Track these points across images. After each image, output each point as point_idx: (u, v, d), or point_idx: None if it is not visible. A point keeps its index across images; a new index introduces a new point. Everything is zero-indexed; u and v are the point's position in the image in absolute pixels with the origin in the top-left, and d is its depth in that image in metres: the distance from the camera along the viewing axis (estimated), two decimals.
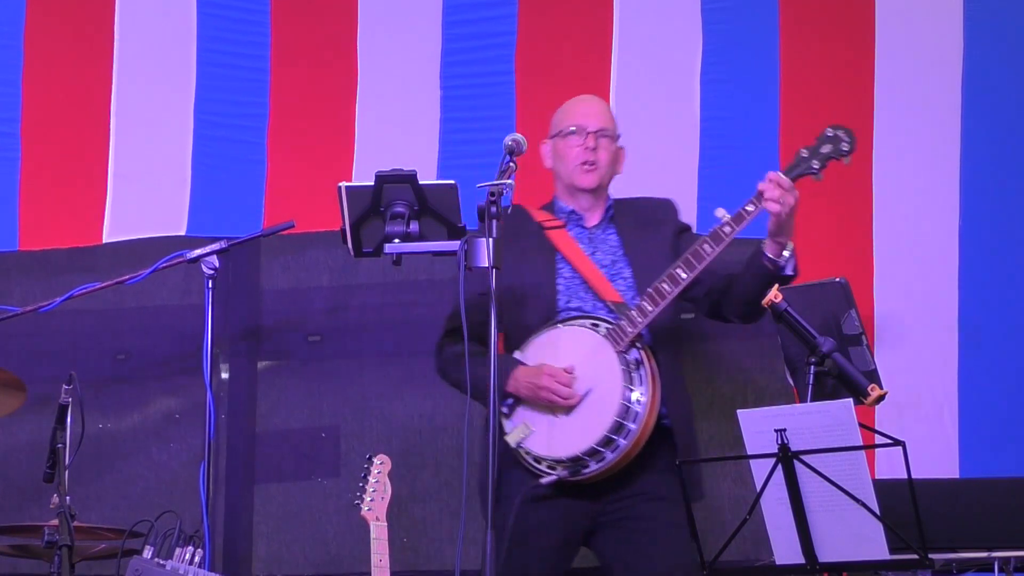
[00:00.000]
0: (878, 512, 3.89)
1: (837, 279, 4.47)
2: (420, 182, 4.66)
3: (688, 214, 5.11)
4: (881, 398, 4.23)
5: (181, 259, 5.04)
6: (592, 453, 4.57)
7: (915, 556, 3.92)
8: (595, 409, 4.60)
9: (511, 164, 4.45)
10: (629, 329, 4.59)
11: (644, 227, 4.85)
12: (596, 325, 4.67)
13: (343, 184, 4.77)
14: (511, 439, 4.68)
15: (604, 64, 5.81)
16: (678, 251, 4.76)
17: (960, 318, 5.47)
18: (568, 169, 4.86)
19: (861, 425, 3.93)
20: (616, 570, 4.70)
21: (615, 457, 4.57)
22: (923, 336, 5.50)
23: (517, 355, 4.75)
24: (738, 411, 4.11)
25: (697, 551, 4.17)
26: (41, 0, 5.99)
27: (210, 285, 5.00)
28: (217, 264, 5.01)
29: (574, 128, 4.85)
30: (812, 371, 4.21)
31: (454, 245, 4.48)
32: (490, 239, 4.37)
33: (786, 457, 3.96)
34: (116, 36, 5.95)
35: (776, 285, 4.39)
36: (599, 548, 4.76)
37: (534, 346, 4.74)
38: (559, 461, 4.62)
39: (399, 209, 4.64)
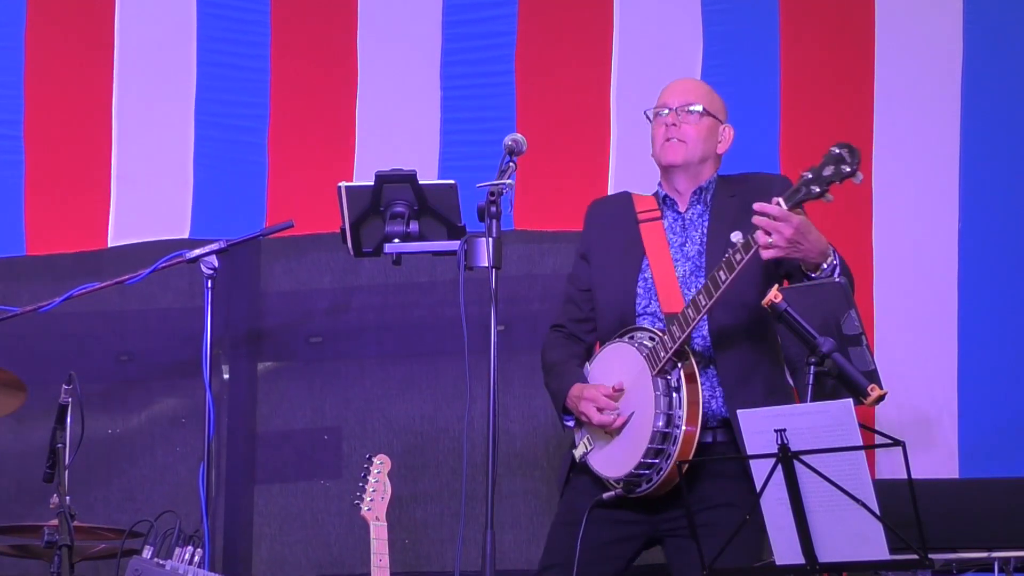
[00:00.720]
0: (878, 512, 3.88)
1: (837, 279, 4.46)
2: (420, 182, 4.67)
3: None
4: (881, 398, 4.22)
5: (180, 259, 5.04)
6: (636, 476, 4.58)
7: (915, 556, 3.90)
8: (635, 434, 4.59)
9: (511, 164, 4.45)
10: (662, 353, 4.56)
11: (740, 213, 4.68)
12: (653, 339, 4.63)
13: (343, 184, 4.78)
14: (576, 453, 4.74)
15: (604, 65, 5.80)
16: None
17: (960, 318, 5.47)
18: (656, 150, 4.82)
19: (861, 425, 3.92)
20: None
21: (661, 479, 4.56)
22: (923, 336, 5.50)
23: (586, 368, 4.77)
24: (738, 411, 4.11)
25: (699, 553, 4.15)
26: (41, 2, 5.99)
27: (209, 285, 5.01)
28: (216, 264, 5.01)
29: (658, 108, 4.83)
30: (812, 371, 4.19)
31: (454, 245, 4.49)
32: (490, 239, 4.38)
33: (786, 457, 3.94)
34: (116, 37, 5.95)
35: (776, 285, 4.38)
36: (666, 555, 4.77)
37: (600, 358, 4.76)
38: (612, 480, 4.65)
39: (399, 209, 4.65)
